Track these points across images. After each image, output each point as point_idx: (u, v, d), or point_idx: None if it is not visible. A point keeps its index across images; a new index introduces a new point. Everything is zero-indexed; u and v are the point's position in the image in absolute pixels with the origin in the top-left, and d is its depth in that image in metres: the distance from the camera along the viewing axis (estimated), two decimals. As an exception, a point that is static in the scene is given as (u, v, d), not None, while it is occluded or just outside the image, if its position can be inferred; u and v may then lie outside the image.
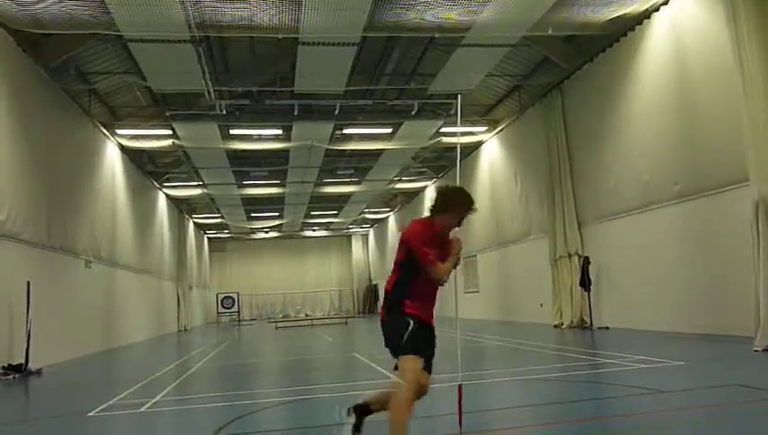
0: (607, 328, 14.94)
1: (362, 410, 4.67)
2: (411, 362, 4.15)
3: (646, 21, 13.34)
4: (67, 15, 11.83)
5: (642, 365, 8.20)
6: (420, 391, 4.24)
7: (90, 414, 6.89)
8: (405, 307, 4.33)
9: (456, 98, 19.01)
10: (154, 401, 7.69)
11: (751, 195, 9.62)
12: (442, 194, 4.44)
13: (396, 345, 4.27)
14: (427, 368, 4.28)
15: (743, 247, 10.07)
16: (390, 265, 4.57)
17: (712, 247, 11.59)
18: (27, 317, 11.99)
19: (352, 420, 4.65)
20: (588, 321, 15.68)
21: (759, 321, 9.23)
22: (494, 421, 5.24)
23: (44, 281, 13.48)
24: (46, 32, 12.69)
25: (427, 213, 4.52)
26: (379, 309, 4.59)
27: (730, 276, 10.98)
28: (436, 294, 4.45)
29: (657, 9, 12.92)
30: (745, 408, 5.42)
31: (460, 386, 4.66)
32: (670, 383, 6.85)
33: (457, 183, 4.70)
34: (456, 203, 4.38)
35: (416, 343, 4.22)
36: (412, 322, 4.26)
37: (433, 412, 5.81)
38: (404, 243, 4.34)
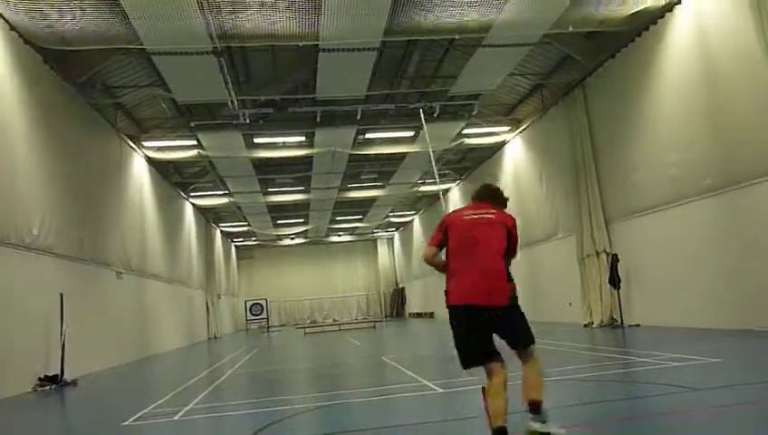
0: (638, 326, 14.74)
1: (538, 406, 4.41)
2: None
3: (668, 14, 13.15)
4: (91, 31, 12.06)
5: (676, 363, 8.07)
6: None
7: (125, 423, 7.00)
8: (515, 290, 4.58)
9: (478, 99, 19.04)
10: (188, 408, 7.78)
11: (783, 187, 9.44)
12: (501, 191, 4.91)
13: (528, 335, 4.52)
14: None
15: (776, 240, 9.87)
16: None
17: (744, 241, 11.37)
18: (61, 329, 12.22)
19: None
20: (618, 319, 15.49)
21: (796, 315, 9.04)
22: (525, 423, 5.19)
23: (77, 293, 13.73)
24: (72, 48, 12.94)
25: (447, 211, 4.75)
26: (488, 288, 4.39)
27: (763, 270, 10.76)
28: None
29: (679, 2, 12.74)
30: (784, 404, 5.31)
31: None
32: (705, 381, 6.73)
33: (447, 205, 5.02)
34: (506, 202, 4.90)
35: None
36: None
37: (462, 415, 5.80)
38: (508, 229, 4.57)
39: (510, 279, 4.50)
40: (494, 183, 5.16)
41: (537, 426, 4.31)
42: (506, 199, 4.89)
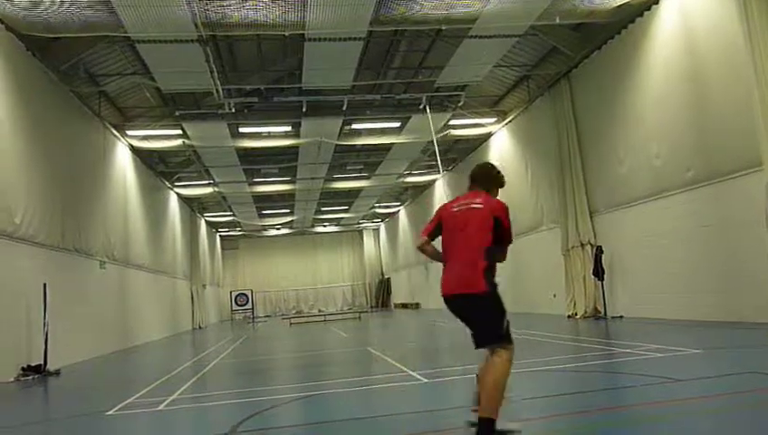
0: (621, 317, 14.89)
1: (489, 427, 4.04)
2: (511, 354, 4.21)
3: (654, 6, 13.22)
4: (75, 19, 11.90)
5: (658, 354, 8.17)
6: None
7: (108, 413, 6.97)
8: (496, 285, 4.31)
9: (464, 90, 19.05)
10: (172, 398, 7.76)
11: (764, 180, 9.54)
12: (493, 169, 4.72)
13: (497, 330, 4.22)
14: None
15: (757, 233, 10.00)
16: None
17: (726, 233, 11.51)
18: (44, 319, 12.12)
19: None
20: (602, 310, 15.64)
21: (775, 306, 9.17)
22: (511, 412, 5.24)
23: (60, 283, 13.62)
24: (55, 35, 12.77)
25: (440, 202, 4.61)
26: (454, 277, 4.33)
27: (745, 262, 10.90)
28: None
29: (665, -6, 12.81)
30: (761, 395, 5.40)
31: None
32: (686, 372, 6.83)
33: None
34: (500, 175, 4.72)
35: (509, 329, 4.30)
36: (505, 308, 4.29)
37: (450, 405, 5.84)
38: (496, 217, 4.36)
39: (489, 272, 4.29)
40: (489, 162, 4.93)
41: None
42: (500, 177, 4.71)
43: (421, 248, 4.61)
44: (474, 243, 4.32)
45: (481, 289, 4.23)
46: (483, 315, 4.28)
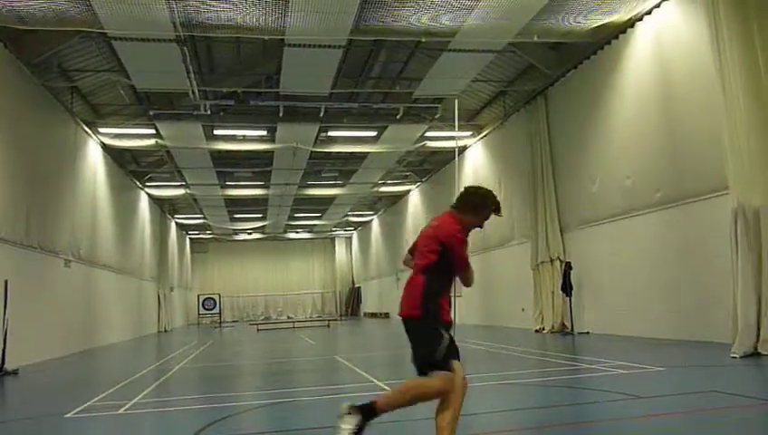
0: (587, 333, 15.05)
1: (369, 411, 4.00)
2: (444, 384, 4.01)
3: (630, 30, 13.49)
4: (50, 12, 11.70)
5: (621, 371, 8.27)
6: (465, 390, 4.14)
7: (67, 416, 6.81)
8: (441, 311, 4.15)
9: (441, 102, 19.17)
10: (132, 402, 7.61)
11: (730, 203, 9.76)
12: (478, 195, 4.39)
13: (430, 359, 4.05)
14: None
15: (722, 255, 10.20)
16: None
17: (692, 255, 11.73)
18: (4, 317, 11.81)
19: (351, 421, 3.93)
20: (569, 326, 15.79)
21: (737, 328, 9.35)
22: (472, 425, 5.25)
23: (22, 280, 13.30)
24: (29, 28, 12.54)
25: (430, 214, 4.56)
26: (402, 299, 4.19)
27: (709, 283, 11.11)
28: None
29: (640, 19, 13.07)
30: (720, 414, 5.49)
31: None
32: (648, 389, 6.91)
33: (456, 186, 4.73)
34: (488, 205, 4.36)
35: (450, 350, 4.10)
36: (446, 335, 4.09)
37: (414, 416, 5.82)
38: (443, 244, 4.14)
39: (428, 298, 4.11)
40: (482, 187, 4.62)
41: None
42: (479, 202, 4.36)
43: (405, 264, 4.66)
44: (419, 265, 4.24)
45: (415, 314, 4.13)
46: (414, 339, 4.17)
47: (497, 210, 4.38)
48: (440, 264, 4.15)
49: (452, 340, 4.17)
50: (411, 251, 4.59)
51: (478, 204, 4.37)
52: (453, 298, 4.44)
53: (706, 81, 10.75)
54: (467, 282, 4.37)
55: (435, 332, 4.07)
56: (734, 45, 9.81)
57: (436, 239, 4.18)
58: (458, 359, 4.15)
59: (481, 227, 4.44)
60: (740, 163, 9.66)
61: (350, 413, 3.94)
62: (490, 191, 4.44)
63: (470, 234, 4.36)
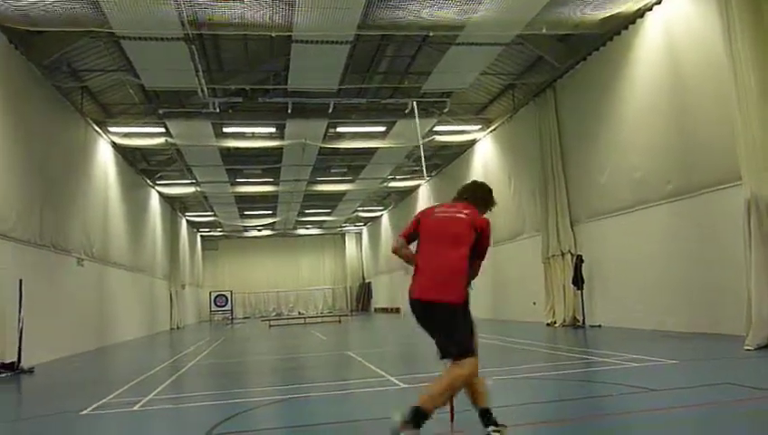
0: (599, 326, 15.00)
1: (423, 416, 3.96)
2: (475, 363, 4.19)
3: (639, 20, 13.37)
4: (59, 13, 11.76)
5: (634, 364, 8.24)
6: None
7: (82, 413, 6.87)
8: (468, 298, 4.35)
9: (449, 97, 19.13)
10: (147, 399, 7.67)
11: (743, 194, 9.67)
12: (485, 189, 4.72)
13: (463, 344, 4.18)
14: None
15: (735, 246, 10.12)
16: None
17: (704, 246, 11.64)
18: (19, 315, 11.92)
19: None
20: (580, 319, 15.74)
21: (750, 320, 9.29)
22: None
23: (36, 279, 13.41)
24: (38, 29, 12.61)
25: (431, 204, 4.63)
26: (431, 283, 4.27)
27: (722, 275, 11.03)
28: None
29: (650, 9, 12.95)
30: (734, 406, 5.46)
31: None
32: (661, 382, 6.88)
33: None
34: (492, 200, 4.73)
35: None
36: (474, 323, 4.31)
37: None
38: (478, 230, 4.36)
39: (466, 283, 4.31)
40: (478, 180, 4.94)
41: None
42: (488, 196, 4.68)
43: (397, 251, 4.54)
44: (458, 251, 4.29)
45: (455, 299, 4.22)
46: (450, 327, 4.22)
47: (493, 205, 4.73)
48: (471, 251, 4.35)
49: None
50: (408, 237, 4.54)
51: (487, 198, 4.71)
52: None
53: (718, 70, 10.64)
54: (477, 272, 4.50)
55: (471, 318, 4.30)
56: (745, 34, 9.70)
57: (473, 226, 4.35)
58: None
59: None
60: (753, 153, 9.56)
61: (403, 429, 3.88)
62: (487, 186, 4.80)
63: None
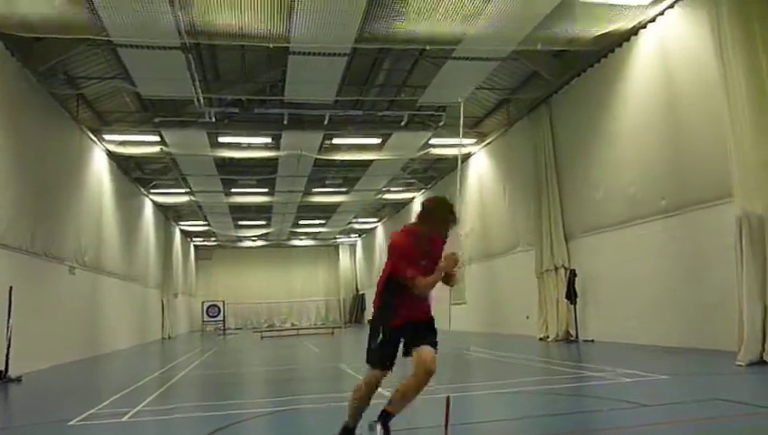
0: (592, 341, 14.99)
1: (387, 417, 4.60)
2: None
3: (633, 38, 13.48)
4: (57, 19, 11.77)
5: (626, 379, 8.23)
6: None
7: (70, 423, 6.80)
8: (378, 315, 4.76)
9: (444, 110, 19.20)
10: (136, 410, 7.60)
11: (735, 211, 9.73)
12: (426, 206, 4.67)
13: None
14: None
15: (727, 262, 10.15)
16: (378, 276, 4.76)
17: (696, 262, 11.68)
18: (8, 323, 11.83)
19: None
20: (573, 334, 15.73)
21: (742, 336, 9.30)
22: (479, 434, 5.23)
23: (27, 287, 13.32)
24: (35, 35, 12.62)
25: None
26: (421, 307, 4.73)
27: (715, 291, 11.06)
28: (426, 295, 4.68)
29: (644, 26, 13.07)
30: (724, 422, 5.46)
31: (448, 398, 4.67)
32: (653, 397, 6.87)
33: (458, 192, 4.91)
34: (437, 215, 4.56)
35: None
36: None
37: (420, 425, 5.81)
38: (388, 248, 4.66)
39: (383, 306, 4.67)
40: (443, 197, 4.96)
41: None
42: (428, 214, 4.59)
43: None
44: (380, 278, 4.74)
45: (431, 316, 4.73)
46: (434, 333, 4.73)
47: (453, 217, 4.55)
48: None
49: None
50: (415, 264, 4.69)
51: (427, 216, 4.58)
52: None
53: (711, 88, 10.73)
54: (420, 288, 4.57)
55: (374, 329, 4.85)
56: (737, 53, 9.80)
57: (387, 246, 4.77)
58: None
59: (441, 234, 4.60)
60: (744, 170, 9.63)
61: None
62: (441, 200, 4.68)
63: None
